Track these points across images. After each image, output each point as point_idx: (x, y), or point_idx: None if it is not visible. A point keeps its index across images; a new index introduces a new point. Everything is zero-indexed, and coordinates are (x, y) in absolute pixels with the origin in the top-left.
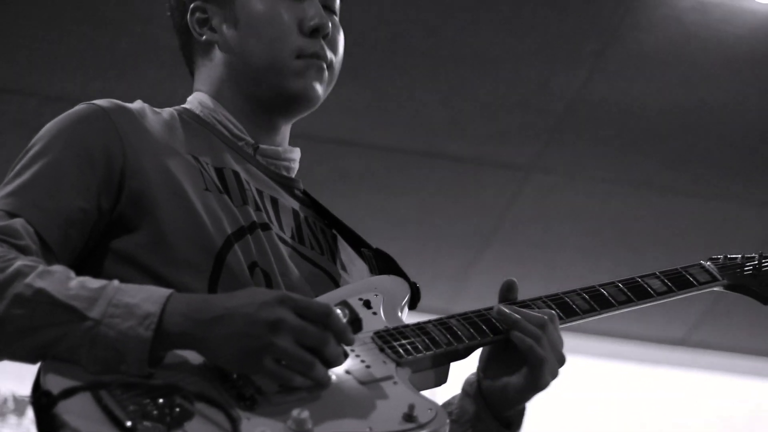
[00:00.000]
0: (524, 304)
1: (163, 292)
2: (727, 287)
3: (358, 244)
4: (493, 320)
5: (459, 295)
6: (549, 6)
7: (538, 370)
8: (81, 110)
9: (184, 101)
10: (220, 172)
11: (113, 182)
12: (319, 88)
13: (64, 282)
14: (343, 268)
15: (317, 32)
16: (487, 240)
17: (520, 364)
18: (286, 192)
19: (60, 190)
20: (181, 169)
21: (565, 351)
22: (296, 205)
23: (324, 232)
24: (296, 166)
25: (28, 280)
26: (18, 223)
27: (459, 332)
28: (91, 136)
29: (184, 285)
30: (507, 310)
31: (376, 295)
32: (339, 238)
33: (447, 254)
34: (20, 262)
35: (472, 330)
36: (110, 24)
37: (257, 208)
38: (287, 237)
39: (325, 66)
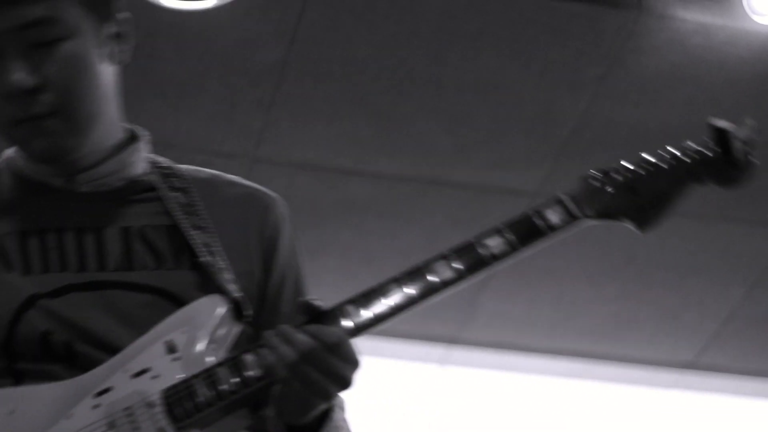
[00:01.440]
0: (333, 314)
1: None
2: (597, 218)
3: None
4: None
5: (468, 322)
6: (550, 32)
7: (287, 388)
8: None
9: (188, 134)
10: (21, 237)
11: None
12: (52, 145)
13: None
14: (215, 254)
15: (22, 94)
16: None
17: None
18: (120, 207)
19: None
20: None
21: (575, 376)
22: (134, 216)
23: (159, 235)
24: (133, 164)
25: None
26: None
27: (246, 375)
28: None
29: None
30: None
31: (185, 332)
32: (188, 231)
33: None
34: None
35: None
36: None
37: (61, 267)
38: (110, 271)
39: (45, 124)
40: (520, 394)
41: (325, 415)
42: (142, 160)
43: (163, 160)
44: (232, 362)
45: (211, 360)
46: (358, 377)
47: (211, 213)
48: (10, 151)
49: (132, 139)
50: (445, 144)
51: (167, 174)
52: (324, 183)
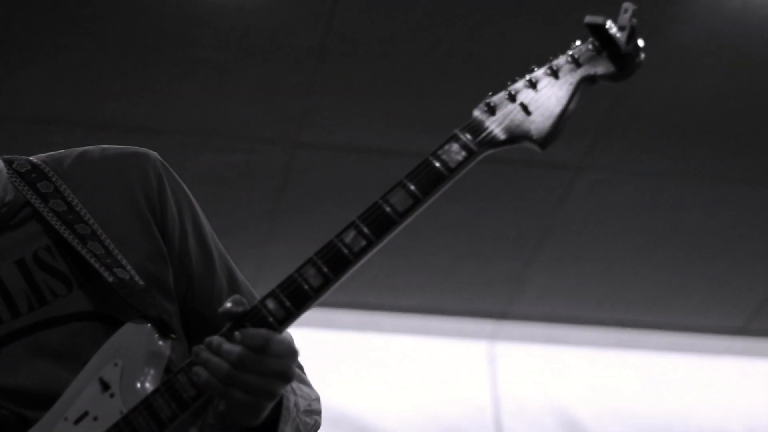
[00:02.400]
0: (254, 312)
1: None
2: (505, 143)
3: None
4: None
5: (517, 297)
6: (588, 4)
7: (229, 400)
8: None
9: (229, 121)
10: None
11: None
12: None
13: None
14: (115, 265)
15: None
16: (541, 241)
17: None
18: (5, 237)
19: None
20: None
21: (626, 347)
22: (21, 244)
23: (62, 242)
24: (1, 186)
25: None
26: None
27: (183, 396)
28: None
29: None
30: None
31: (116, 364)
32: (74, 237)
33: (502, 257)
34: None
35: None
36: (152, 49)
37: None
38: (25, 314)
39: None
40: (572, 367)
41: (279, 405)
42: (2, 177)
43: (21, 162)
44: (167, 387)
45: (147, 388)
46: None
47: (90, 202)
48: None
49: None
50: None
51: (31, 180)
52: (367, 164)
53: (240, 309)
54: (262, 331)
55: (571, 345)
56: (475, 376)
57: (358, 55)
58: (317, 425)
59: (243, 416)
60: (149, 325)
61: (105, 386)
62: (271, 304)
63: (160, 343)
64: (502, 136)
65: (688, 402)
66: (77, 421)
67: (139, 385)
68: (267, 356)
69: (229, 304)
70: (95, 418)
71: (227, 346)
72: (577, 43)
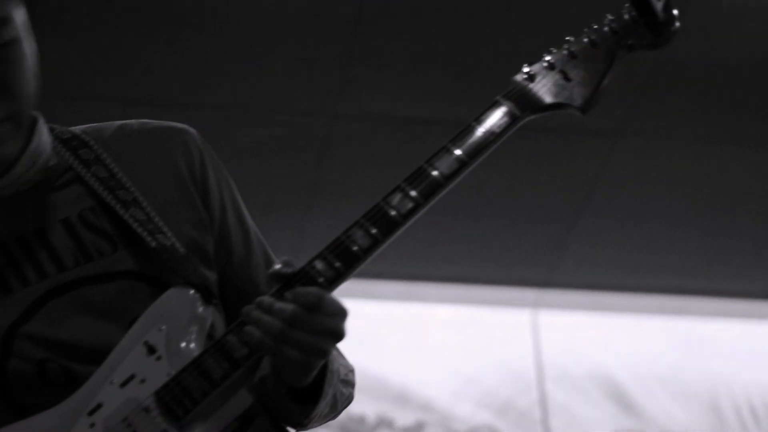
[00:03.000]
0: (304, 273)
1: None
2: (544, 112)
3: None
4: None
5: (559, 264)
6: None
7: (280, 358)
8: None
9: (267, 95)
10: None
11: None
12: (5, 151)
13: None
14: (157, 231)
15: None
16: (581, 208)
17: None
18: (48, 199)
19: None
20: None
21: (669, 312)
22: (66, 205)
23: (105, 206)
24: (43, 151)
25: None
26: None
27: (235, 355)
28: None
29: None
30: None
31: (161, 329)
32: (114, 200)
33: (542, 225)
34: None
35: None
36: (188, 24)
37: (23, 283)
38: (71, 269)
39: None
40: (615, 334)
41: (323, 367)
42: (46, 142)
43: (62, 130)
44: (217, 348)
45: (193, 350)
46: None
47: (131, 170)
48: None
49: (32, 122)
50: None
51: (73, 147)
52: (406, 134)
53: (289, 270)
54: (315, 289)
55: (614, 312)
56: (518, 345)
57: (394, 25)
58: (351, 398)
59: (294, 375)
60: (192, 290)
61: (151, 350)
62: (319, 264)
63: (203, 308)
64: (544, 101)
65: (732, 368)
66: (123, 384)
67: (184, 347)
68: (319, 314)
69: (278, 266)
70: (142, 381)
71: (280, 304)
72: (614, 12)
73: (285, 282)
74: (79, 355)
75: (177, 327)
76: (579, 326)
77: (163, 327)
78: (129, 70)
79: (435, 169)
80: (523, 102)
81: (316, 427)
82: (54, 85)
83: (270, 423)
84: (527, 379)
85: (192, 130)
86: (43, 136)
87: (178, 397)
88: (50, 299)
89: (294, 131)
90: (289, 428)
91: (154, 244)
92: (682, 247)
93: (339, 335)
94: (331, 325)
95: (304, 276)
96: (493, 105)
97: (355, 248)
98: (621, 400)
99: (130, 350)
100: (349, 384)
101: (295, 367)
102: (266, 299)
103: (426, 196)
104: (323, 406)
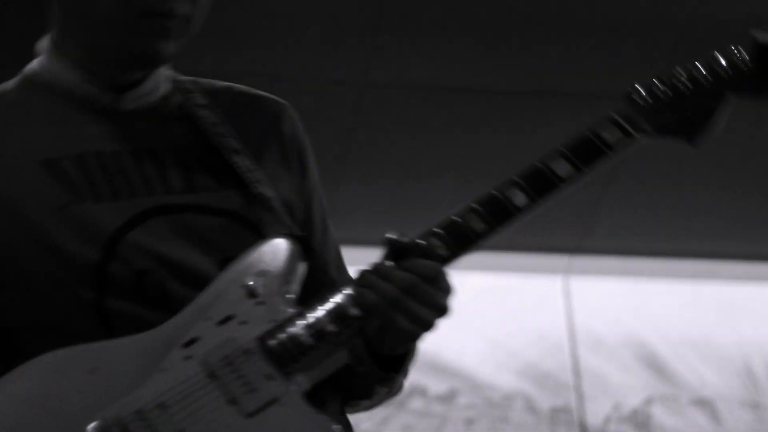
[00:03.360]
0: (418, 246)
1: None
2: (654, 134)
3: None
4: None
5: (590, 230)
6: None
7: (392, 324)
8: None
9: (297, 66)
10: (80, 161)
11: None
12: (165, 48)
13: None
14: (260, 182)
15: None
16: (611, 174)
17: None
18: (161, 125)
19: None
20: (26, 193)
21: (703, 277)
22: (175, 133)
23: (212, 148)
24: (162, 81)
25: None
26: None
27: (347, 314)
28: None
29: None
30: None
31: (263, 276)
32: (226, 147)
33: (573, 191)
34: None
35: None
36: None
37: (131, 193)
38: (178, 193)
39: (173, 24)
40: (648, 299)
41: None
42: (169, 75)
43: (178, 74)
44: (326, 304)
45: (293, 302)
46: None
47: (238, 126)
48: (34, 65)
49: None
50: (554, 55)
51: (188, 90)
52: (436, 102)
53: (405, 240)
54: (435, 263)
55: (647, 277)
56: (550, 312)
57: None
58: (401, 388)
59: (397, 342)
60: (296, 244)
61: (251, 293)
62: (434, 241)
63: (302, 264)
64: (657, 128)
65: (766, 332)
66: (221, 323)
67: (288, 298)
68: (434, 288)
69: (394, 235)
70: (243, 323)
71: (399, 272)
72: (734, 51)
73: (398, 251)
74: (179, 273)
75: (280, 277)
76: (611, 292)
77: (266, 274)
78: None
79: (550, 169)
80: (640, 123)
81: (373, 406)
82: None
83: (340, 406)
84: (559, 345)
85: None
86: (168, 69)
87: (285, 345)
88: (154, 215)
89: (324, 101)
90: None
91: (257, 191)
92: (713, 210)
93: (445, 312)
94: (441, 300)
95: (419, 248)
96: (611, 120)
97: (470, 233)
98: (654, 365)
99: (228, 291)
100: (407, 373)
101: (400, 335)
102: (385, 265)
103: (540, 193)
104: (399, 381)
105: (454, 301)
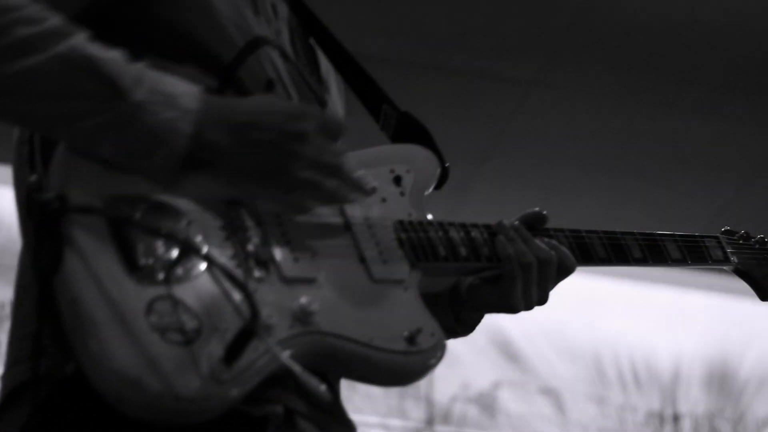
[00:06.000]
0: (547, 233)
1: (196, 89)
2: (735, 271)
3: (377, 98)
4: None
5: (457, 209)
6: None
7: (509, 284)
8: None
9: None
10: None
11: None
12: None
13: (106, 54)
14: (327, 90)
15: None
16: (487, 154)
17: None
18: None
19: None
20: None
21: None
22: (285, 10)
23: (305, 44)
24: None
25: (73, 42)
26: None
27: (479, 249)
28: None
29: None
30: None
31: (408, 171)
32: (315, 48)
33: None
34: (58, 19)
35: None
36: None
37: (267, 19)
38: (290, 53)
39: None
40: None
41: (475, 321)
42: None
43: None
44: (464, 231)
45: (427, 212)
46: None
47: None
48: None
49: None
50: (442, 29)
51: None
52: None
53: (544, 218)
54: (570, 255)
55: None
56: None
57: None
58: None
59: (506, 303)
60: (441, 167)
61: (397, 180)
62: (561, 237)
63: (433, 187)
64: (745, 269)
65: (619, 329)
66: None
67: (423, 204)
68: (559, 274)
69: (537, 209)
70: (383, 200)
71: (538, 243)
72: None
73: (532, 224)
74: (306, 88)
75: (421, 181)
76: None
77: (412, 172)
78: None
79: (665, 249)
80: (742, 260)
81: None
82: None
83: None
84: None
85: None
86: None
87: (422, 243)
88: (272, 49)
89: None
90: None
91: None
92: (581, 200)
93: (544, 303)
94: (552, 288)
95: (546, 233)
96: (718, 241)
97: (592, 253)
98: (506, 350)
99: (376, 165)
100: None
101: (514, 298)
102: (525, 230)
103: (652, 258)
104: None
105: None
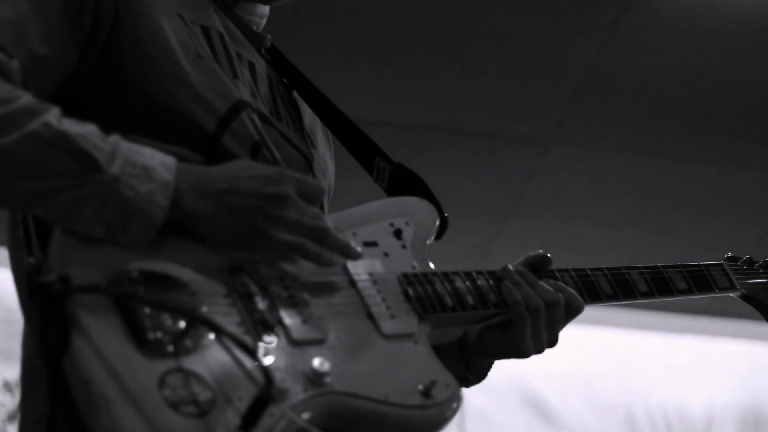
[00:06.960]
0: (552, 275)
1: (171, 160)
2: (742, 297)
3: (369, 151)
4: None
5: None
6: None
7: (519, 329)
8: None
9: None
10: (206, 32)
11: (99, 35)
12: None
13: (80, 129)
14: (313, 144)
15: None
16: (508, 214)
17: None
18: (256, 51)
19: (50, 34)
20: (171, 30)
21: (597, 323)
22: (264, 67)
23: (287, 98)
24: (264, 22)
25: (46, 118)
26: (14, 65)
27: (486, 296)
28: None
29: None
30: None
31: (407, 223)
32: (299, 101)
33: (468, 230)
34: (29, 97)
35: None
36: None
37: (244, 83)
38: (267, 113)
39: None
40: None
41: (486, 367)
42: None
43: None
44: (469, 280)
45: (429, 264)
46: None
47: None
48: None
49: None
50: (456, 92)
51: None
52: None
53: (547, 262)
54: (578, 296)
55: None
56: None
57: (329, 21)
58: None
59: (517, 348)
60: (441, 218)
61: (397, 234)
62: (567, 278)
63: (433, 237)
64: (752, 295)
65: (649, 380)
66: (367, 245)
67: (426, 256)
68: (567, 315)
69: (541, 251)
70: (386, 254)
71: (545, 286)
72: None
73: (537, 267)
74: (289, 146)
75: (421, 233)
76: None
77: (412, 224)
78: None
79: (670, 281)
80: (748, 286)
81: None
82: None
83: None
84: None
85: None
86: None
87: (429, 294)
88: (252, 111)
89: None
90: None
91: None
92: (603, 257)
93: (554, 345)
94: (560, 331)
95: (551, 275)
96: (722, 269)
97: (599, 291)
98: (538, 407)
99: (374, 220)
100: None
101: (528, 344)
102: (530, 274)
103: (658, 291)
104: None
105: None
